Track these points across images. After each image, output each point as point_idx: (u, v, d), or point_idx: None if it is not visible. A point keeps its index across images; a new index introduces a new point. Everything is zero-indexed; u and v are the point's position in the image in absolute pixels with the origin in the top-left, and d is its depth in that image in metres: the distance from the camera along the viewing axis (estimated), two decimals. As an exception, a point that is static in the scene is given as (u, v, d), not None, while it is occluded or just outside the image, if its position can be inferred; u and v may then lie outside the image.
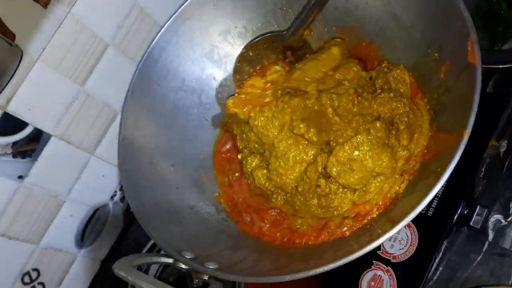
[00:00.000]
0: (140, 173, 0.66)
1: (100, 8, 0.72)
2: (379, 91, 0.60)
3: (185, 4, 0.72)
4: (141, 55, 0.77)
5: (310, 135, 0.60)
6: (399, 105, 0.58)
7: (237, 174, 0.71)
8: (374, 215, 0.56)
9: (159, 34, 0.72)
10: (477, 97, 0.45)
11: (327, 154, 0.58)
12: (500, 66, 0.66)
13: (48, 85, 0.69)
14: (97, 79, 0.75)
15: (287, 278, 0.46)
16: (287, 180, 0.61)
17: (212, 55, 0.77)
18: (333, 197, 0.59)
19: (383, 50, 0.66)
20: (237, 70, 0.74)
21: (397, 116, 0.58)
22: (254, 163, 0.66)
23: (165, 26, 0.72)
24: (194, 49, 0.74)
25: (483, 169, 0.65)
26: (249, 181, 0.68)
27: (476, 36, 0.48)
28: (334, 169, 0.57)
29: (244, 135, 0.68)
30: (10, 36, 0.62)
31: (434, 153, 0.52)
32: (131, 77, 0.72)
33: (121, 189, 0.87)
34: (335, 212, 0.59)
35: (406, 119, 0.57)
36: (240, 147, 0.70)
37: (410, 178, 0.55)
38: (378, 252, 0.60)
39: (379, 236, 0.45)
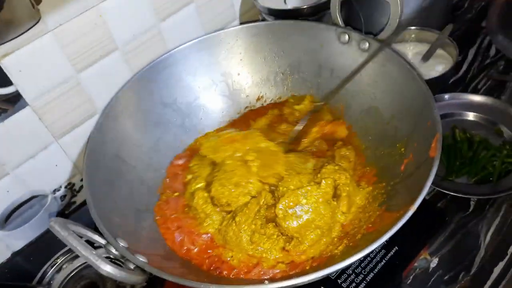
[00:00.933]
0: (103, 158, 0.66)
1: (126, 14, 0.77)
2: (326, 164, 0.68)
3: (204, 36, 0.78)
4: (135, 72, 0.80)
5: (254, 164, 0.69)
6: (342, 177, 0.65)
7: (176, 194, 0.72)
8: (308, 267, 0.58)
9: (173, 51, 0.77)
10: (428, 184, 0.50)
11: (271, 194, 0.65)
12: (450, 193, 0.73)
13: (48, 58, 0.71)
14: (94, 73, 0.78)
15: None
16: (226, 197, 0.66)
17: (209, 89, 0.82)
18: (266, 240, 0.63)
19: (357, 136, 0.73)
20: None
21: (340, 185, 0.65)
22: (199, 185, 0.70)
23: (181, 47, 0.77)
24: (195, 77, 0.79)
25: (411, 277, 0.68)
26: (186, 202, 0.70)
27: (441, 136, 0.55)
28: (281, 212, 0.62)
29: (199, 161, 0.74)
30: (37, -1, 0.66)
31: (377, 227, 0.56)
32: (132, 76, 0.76)
33: (66, 187, 0.85)
34: (264, 255, 0.62)
35: (347, 189, 0.65)
36: (191, 165, 0.74)
37: (350, 244, 0.58)
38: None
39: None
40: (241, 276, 0.58)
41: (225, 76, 0.82)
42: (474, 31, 1.03)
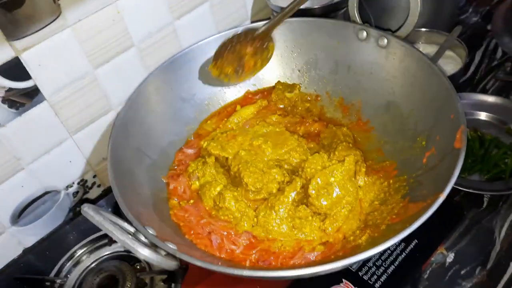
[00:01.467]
0: (125, 150, 0.66)
1: (143, 11, 0.78)
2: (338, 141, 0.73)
3: (224, 32, 0.79)
4: (156, 67, 0.80)
5: (266, 146, 0.72)
6: (357, 153, 0.70)
7: (192, 201, 0.72)
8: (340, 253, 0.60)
9: (194, 45, 0.78)
10: (457, 173, 0.51)
11: (301, 179, 0.67)
12: (464, 189, 0.74)
13: (66, 53, 0.72)
14: (110, 69, 0.78)
15: (245, 273, 0.46)
16: (260, 181, 0.67)
17: (226, 86, 0.82)
18: (305, 223, 0.64)
19: (376, 131, 0.74)
20: (216, 53, 0.78)
21: (359, 161, 0.69)
22: (218, 188, 0.70)
23: (201, 42, 0.78)
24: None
25: (428, 271, 0.69)
26: (208, 207, 0.70)
27: (466, 127, 0.56)
28: (314, 192, 0.64)
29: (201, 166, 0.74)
30: (58, -6, 0.66)
31: (402, 218, 0.57)
32: (153, 69, 0.77)
33: (79, 183, 0.85)
34: (308, 238, 0.64)
35: (365, 164, 0.69)
36: (192, 170, 0.74)
37: (375, 234, 0.59)
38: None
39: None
40: (286, 262, 0.60)
41: (242, 73, 0.83)
42: (480, 34, 1.05)
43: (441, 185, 0.51)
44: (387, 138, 0.72)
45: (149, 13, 0.79)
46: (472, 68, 0.97)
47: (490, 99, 0.86)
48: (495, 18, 1.06)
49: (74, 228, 0.81)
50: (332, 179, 0.65)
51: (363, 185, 0.69)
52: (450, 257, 0.69)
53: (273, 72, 0.83)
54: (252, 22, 0.98)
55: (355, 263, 0.52)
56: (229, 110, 0.84)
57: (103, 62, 0.77)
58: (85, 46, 0.73)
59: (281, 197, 0.65)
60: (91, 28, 0.73)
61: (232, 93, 0.85)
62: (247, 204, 0.68)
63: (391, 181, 0.66)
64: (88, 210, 0.47)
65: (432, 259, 0.69)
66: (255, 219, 0.66)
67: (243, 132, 0.77)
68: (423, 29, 0.94)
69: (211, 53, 0.78)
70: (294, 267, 0.58)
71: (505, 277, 0.65)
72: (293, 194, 0.66)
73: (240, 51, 0.74)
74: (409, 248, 0.64)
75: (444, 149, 0.58)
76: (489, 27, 1.06)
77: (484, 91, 0.92)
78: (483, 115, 0.85)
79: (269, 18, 0.93)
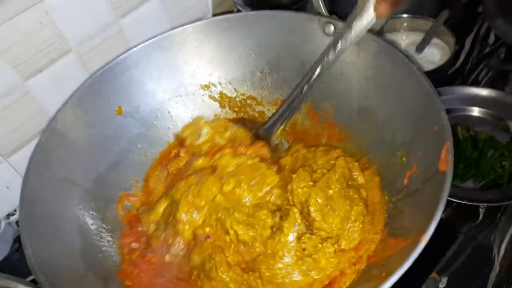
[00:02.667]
0: (48, 183, 0.55)
1: (78, 11, 0.67)
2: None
3: (168, 33, 0.68)
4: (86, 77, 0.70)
5: (241, 189, 0.59)
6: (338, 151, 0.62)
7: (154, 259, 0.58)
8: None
9: (131, 51, 0.67)
10: (441, 207, 0.41)
11: (295, 206, 0.55)
12: (456, 201, 0.65)
13: (-15, 65, 0.61)
14: (45, 80, 0.68)
15: None
16: (253, 232, 0.54)
17: (177, 92, 0.71)
18: (317, 256, 0.51)
19: (350, 141, 0.63)
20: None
21: (346, 159, 0.60)
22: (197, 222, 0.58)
23: (140, 45, 0.67)
24: (160, 81, 0.69)
25: (419, 299, 0.59)
26: (189, 269, 0.56)
27: (452, 144, 0.46)
28: (317, 213, 0.53)
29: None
30: (-34, -3, 0.55)
31: (380, 257, 0.47)
32: (81, 82, 0.64)
33: (22, 210, 0.74)
34: (326, 272, 0.52)
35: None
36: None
37: (354, 278, 0.49)
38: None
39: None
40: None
41: (195, 78, 0.72)
42: (470, 17, 0.95)
43: (423, 218, 0.41)
44: (364, 151, 0.61)
45: (85, 12, 0.69)
46: (462, 57, 0.87)
47: (483, 92, 0.76)
48: (486, -1, 0.96)
49: (23, 259, 0.71)
50: (331, 191, 0.54)
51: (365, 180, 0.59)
52: (443, 282, 0.60)
53: (231, 73, 0.72)
54: (214, 15, 0.87)
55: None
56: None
57: (34, 72, 0.67)
58: (9, 55, 0.63)
59: (281, 237, 0.53)
60: (14, 34, 0.62)
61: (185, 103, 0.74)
62: (238, 269, 0.54)
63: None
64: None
65: (423, 286, 0.60)
66: (258, 280, 0.52)
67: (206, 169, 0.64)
68: (405, 15, 0.84)
69: (154, 57, 0.68)
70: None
71: (507, 305, 0.56)
72: (295, 228, 0.53)
73: None
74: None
75: (427, 170, 0.48)
76: (479, 9, 0.95)
77: (476, 82, 0.82)
78: (475, 111, 0.76)
79: (231, 11, 0.83)
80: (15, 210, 0.75)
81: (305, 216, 0.55)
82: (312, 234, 0.53)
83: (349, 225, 0.53)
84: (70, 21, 0.67)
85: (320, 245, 0.52)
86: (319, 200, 0.54)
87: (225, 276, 0.53)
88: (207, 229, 0.58)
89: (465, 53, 0.88)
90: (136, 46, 0.67)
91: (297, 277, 0.51)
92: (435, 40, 0.84)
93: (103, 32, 0.72)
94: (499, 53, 0.86)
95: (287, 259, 0.52)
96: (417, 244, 0.39)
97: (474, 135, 0.72)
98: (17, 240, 0.76)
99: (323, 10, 0.63)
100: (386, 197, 0.54)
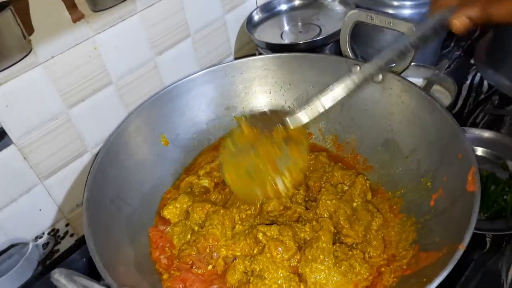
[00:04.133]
0: (103, 199, 0.60)
1: (123, 47, 0.73)
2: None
3: (210, 68, 0.75)
4: (137, 105, 0.75)
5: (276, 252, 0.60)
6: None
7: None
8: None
9: (178, 83, 0.74)
10: (474, 220, 0.47)
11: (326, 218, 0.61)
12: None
13: (37, 93, 0.66)
14: (86, 109, 0.73)
15: None
16: None
17: (213, 124, 0.77)
18: (350, 261, 0.58)
19: (375, 170, 0.69)
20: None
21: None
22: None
23: (185, 79, 0.73)
24: (199, 112, 0.75)
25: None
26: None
27: (477, 169, 0.52)
28: (347, 221, 0.60)
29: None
30: (28, 29, 0.61)
31: (415, 269, 0.51)
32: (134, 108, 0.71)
33: (50, 233, 0.77)
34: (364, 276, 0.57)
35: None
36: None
37: (394, 279, 0.53)
38: None
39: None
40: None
41: (229, 110, 0.78)
42: (464, 67, 1.04)
43: (455, 232, 0.46)
44: (387, 178, 0.67)
45: (128, 49, 0.75)
46: (460, 102, 0.95)
47: (484, 133, 0.84)
48: (477, 52, 1.06)
49: (45, 284, 0.73)
50: (355, 204, 0.62)
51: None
52: (458, 306, 0.64)
53: (261, 108, 0.79)
54: (236, 58, 0.94)
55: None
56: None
57: (78, 101, 0.71)
58: (59, 84, 0.68)
59: (319, 243, 0.58)
60: (65, 65, 0.68)
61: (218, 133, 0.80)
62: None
63: (397, 221, 0.61)
64: (59, 278, 0.41)
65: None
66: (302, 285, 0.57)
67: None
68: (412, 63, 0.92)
69: (195, 90, 0.74)
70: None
71: (518, 327, 0.61)
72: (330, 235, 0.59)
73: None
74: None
75: (453, 192, 0.54)
76: (472, 61, 1.05)
77: (475, 125, 0.90)
78: (478, 151, 0.82)
79: (254, 54, 0.90)
80: (43, 233, 0.77)
81: (334, 224, 0.61)
82: (341, 243, 0.59)
83: (373, 234, 0.60)
84: (115, 56, 0.73)
85: (350, 252, 0.58)
86: (347, 211, 0.60)
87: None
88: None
89: (463, 98, 0.96)
90: (181, 79, 0.74)
91: (337, 278, 0.56)
92: (436, 87, 0.93)
93: (140, 67, 0.78)
94: (493, 99, 0.95)
95: (326, 263, 0.57)
96: (455, 252, 0.44)
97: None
98: (41, 262, 0.78)
99: (350, 53, 0.70)
100: (413, 219, 0.60)
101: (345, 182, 0.67)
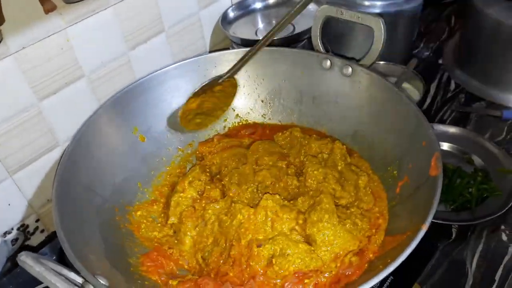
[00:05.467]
0: (73, 189, 0.59)
1: (96, 40, 0.73)
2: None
3: (183, 62, 0.76)
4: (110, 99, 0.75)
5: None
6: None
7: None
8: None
9: (151, 75, 0.74)
10: (436, 203, 0.49)
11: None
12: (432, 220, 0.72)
13: (7, 83, 0.65)
14: (57, 102, 0.72)
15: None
16: None
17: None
18: (351, 218, 0.61)
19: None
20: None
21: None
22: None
23: (158, 72, 0.74)
24: (171, 105, 0.75)
25: (404, 309, 0.65)
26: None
27: (440, 154, 0.54)
28: (338, 184, 0.64)
29: None
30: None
31: (382, 252, 0.53)
32: (106, 100, 0.71)
33: (19, 228, 0.76)
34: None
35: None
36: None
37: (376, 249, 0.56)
38: None
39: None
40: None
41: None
42: (433, 67, 1.07)
43: (420, 215, 0.48)
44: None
45: (101, 42, 0.74)
46: (428, 100, 0.98)
47: (450, 129, 0.87)
48: (445, 53, 1.10)
49: (13, 281, 0.72)
50: (339, 167, 0.66)
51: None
52: (425, 293, 0.66)
53: (236, 102, 0.80)
54: (211, 52, 0.95)
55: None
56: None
57: (49, 93, 0.71)
58: (30, 76, 0.67)
59: (322, 205, 0.60)
60: (37, 56, 0.67)
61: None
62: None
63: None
64: (25, 259, 0.40)
65: (407, 296, 0.66)
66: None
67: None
68: (381, 62, 0.95)
69: (168, 83, 0.74)
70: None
71: (482, 311, 0.63)
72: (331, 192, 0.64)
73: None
74: (385, 286, 0.60)
75: (418, 178, 0.56)
76: (440, 61, 1.09)
77: (442, 121, 0.93)
78: (444, 146, 0.85)
79: (228, 49, 0.91)
80: (12, 229, 0.75)
81: None
82: (337, 205, 0.61)
83: (362, 191, 0.64)
84: (87, 49, 0.73)
85: (348, 211, 0.61)
86: (335, 175, 0.63)
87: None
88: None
89: (431, 96, 1.00)
90: (154, 71, 0.74)
91: (344, 234, 0.58)
92: (405, 85, 0.95)
93: (113, 61, 0.78)
94: (459, 97, 0.98)
95: (331, 221, 0.58)
96: (418, 232, 0.46)
97: (444, 166, 0.82)
98: (10, 259, 0.76)
99: (321, 48, 0.72)
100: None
101: (323, 151, 0.70)
